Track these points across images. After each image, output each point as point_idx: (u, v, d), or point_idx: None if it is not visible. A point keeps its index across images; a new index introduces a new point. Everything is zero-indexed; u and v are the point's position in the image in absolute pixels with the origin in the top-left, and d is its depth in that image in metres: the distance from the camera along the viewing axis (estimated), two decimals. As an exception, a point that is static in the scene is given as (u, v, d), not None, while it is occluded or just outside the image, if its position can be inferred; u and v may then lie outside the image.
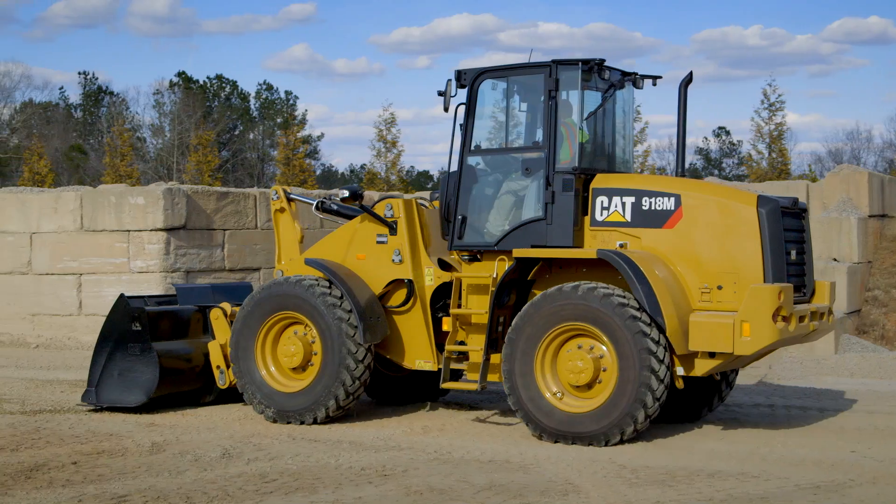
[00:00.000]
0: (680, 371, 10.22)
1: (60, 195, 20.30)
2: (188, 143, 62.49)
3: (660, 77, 11.66)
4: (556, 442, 10.28)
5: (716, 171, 69.78)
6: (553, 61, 10.78)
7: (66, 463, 9.44)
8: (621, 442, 10.11)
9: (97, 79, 78.52)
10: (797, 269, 10.62)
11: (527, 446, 10.19)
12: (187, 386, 12.52)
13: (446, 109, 11.16)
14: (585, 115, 10.90)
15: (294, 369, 11.61)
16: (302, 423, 11.36)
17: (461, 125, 11.17)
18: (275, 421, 11.50)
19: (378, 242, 11.64)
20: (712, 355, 10.10)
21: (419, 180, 73.07)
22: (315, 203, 12.41)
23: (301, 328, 11.59)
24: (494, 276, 10.91)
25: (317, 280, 11.53)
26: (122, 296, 12.45)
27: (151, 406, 12.13)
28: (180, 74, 73.55)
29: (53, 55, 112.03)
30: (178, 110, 67.27)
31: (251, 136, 76.56)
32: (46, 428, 11.14)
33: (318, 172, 72.43)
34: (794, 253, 10.51)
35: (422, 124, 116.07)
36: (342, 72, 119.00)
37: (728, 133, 76.04)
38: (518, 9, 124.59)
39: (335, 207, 12.27)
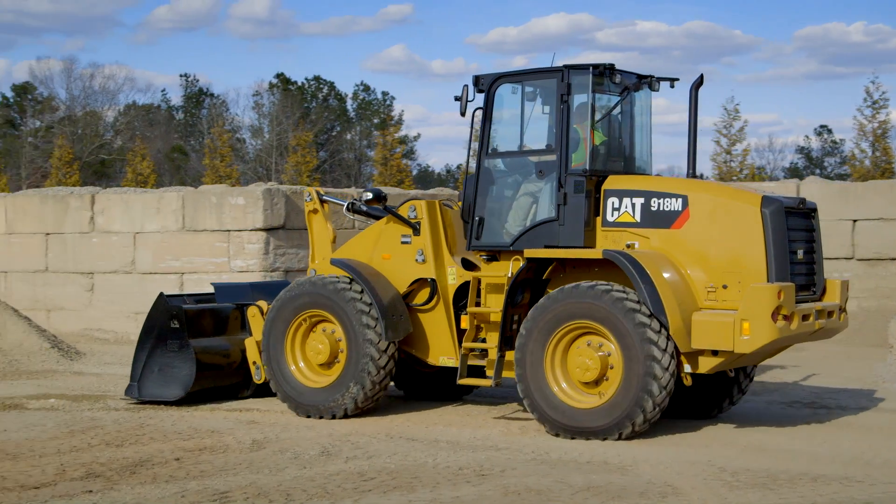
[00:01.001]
0: (687, 368, 10.45)
1: (163, 196, 20.67)
2: (287, 143, 63.20)
3: (677, 79, 11.79)
4: (572, 438, 10.53)
5: (817, 171, 68.55)
6: (565, 66, 11.07)
7: (169, 459, 9.61)
8: (632, 435, 10.36)
9: (198, 81, 79.85)
10: (805, 269, 10.77)
11: (625, 447, 10.12)
12: (225, 381, 12.95)
13: (463, 114, 11.47)
14: (598, 118, 11.19)
15: (322, 365, 11.98)
16: (332, 416, 11.73)
17: (479, 129, 11.48)
18: (308, 416, 11.86)
19: (402, 243, 12.01)
20: (715, 353, 10.31)
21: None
22: (346, 204, 12.67)
23: (328, 325, 11.94)
24: (509, 275, 11.18)
25: (341, 279, 11.90)
26: (161, 294, 12.89)
27: (191, 400, 12.55)
28: (279, 76, 74.41)
29: (156, 58, 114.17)
30: (277, 111, 68.07)
31: (348, 136, 77.14)
32: (150, 424, 11.35)
33: (415, 173, 72.73)
34: (800, 252, 10.67)
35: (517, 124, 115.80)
36: (439, 72, 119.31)
37: (830, 131, 74.65)
38: (615, 8, 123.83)
39: (364, 209, 12.50)
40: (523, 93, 11.63)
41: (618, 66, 11.24)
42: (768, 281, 10.23)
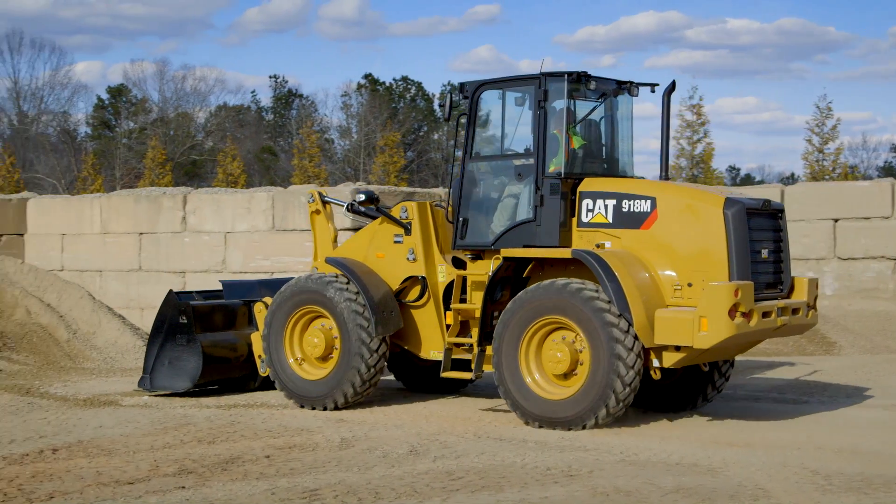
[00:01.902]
0: (656, 363, 10.96)
1: (253, 196, 20.92)
2: (374, 143, 63.56)
3: (657, 84, 12.20)
4: (540, 427, 11.04)
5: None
6: (542, 74, 11.55)
7: (259, 456, 9.71)
8: (596, 426, 10.85)
9: (287, 82, 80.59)
10: (770, 267, 11.22)
11: (714, 449, 10.01)
12: (232, 373, 13.66)
13: (447, 120, 12.19)
14: (574, 123, 11.67)
15: (318, 359, 12.53)
16: (325, 408, 12.28)
17: (464, 133, 12.07)
18: (301, 406, 12.46)
19: (395, 242, 12.56)
20: (678, 349, 10.79)
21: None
22: (345, 205, 13.13)
23: (324, 321, 12.49)
24: (490, 273, 11.67)
25: (336, 277, 12.46)
26: (170, 291, 13.71)
27: (200, 392, 13.25)
28: (367, 76, 74.88)
29: (246, 60, 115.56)
30: (365, 112, 68.51)
31: (435, 136, 77.31)
32: (240, 422, 11.48)
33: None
34: (765, 252, 11.10)
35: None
36: (527, 71, 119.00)
37: (927, 129, 73.03)
38: (706, 5, 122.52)
39: (362, 210, 12.97)
40: (504, 99, 12.12)
41: (593, 73, 11.70)
42: (730, 279, 10.65)
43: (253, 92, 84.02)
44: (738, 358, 15.40)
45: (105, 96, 75.43)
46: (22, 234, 23.53)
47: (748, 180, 72.34)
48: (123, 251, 22.56)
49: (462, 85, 12.16)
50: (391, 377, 14.23)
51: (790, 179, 64.77)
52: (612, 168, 12.12)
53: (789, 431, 11.03)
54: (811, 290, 11.62)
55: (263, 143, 72.74)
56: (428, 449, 10.01)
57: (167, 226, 22.05)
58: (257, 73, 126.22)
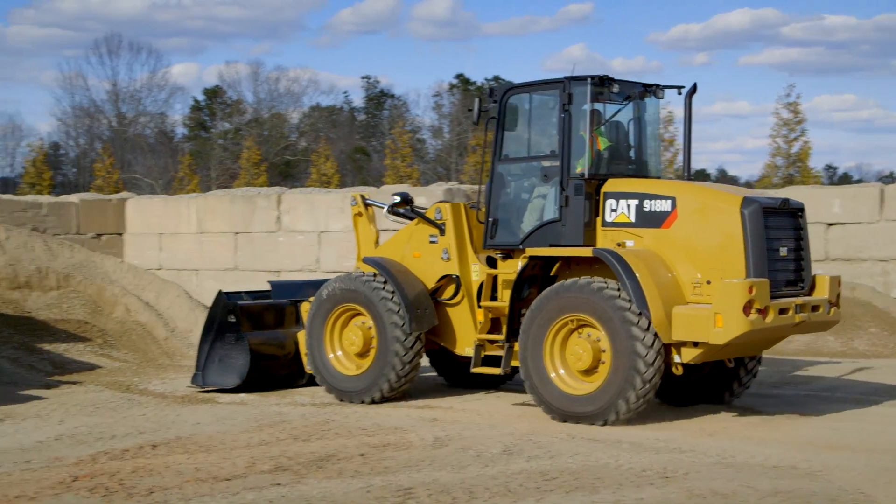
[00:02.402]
0: (677, 359, 11.22)
1: (346, 196, 21.06)
2: (466, 143, 63.64)
3: (682, 87, 12.47)
4: (563, 421, 11.38)
5: None
6: (566, 78, 11.90)
7: (353, 454, 9.78)
8: (616, 421, 11.09)
9: (379, 82, 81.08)
10: (790, 265, 11.49)
11: (814, 452, 9.85)
12: (279, 371, 14.01)
13: (476, 123, 12.51)
14: (598, 126, 11.92)
15: (357, 355, 13.02)
16: (361, 402, 12.74)
17: (493, 137, 12.43)
18: (340, 400, 12.93)
19: (430, 242, 12.99)
20: (696, 344, 11.05)
21: (696, 179, 71.77)
22: (385, 208, 13.50)
23: (362, 318, 12.97)
24: (517, 272, 12.06)
25: (373, 276, 12.91)
26: (220, 291, 14.14)
27: (249, 389, 13.55)
28: (459, 76, 74.95)
29: (339, 60, 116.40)
30: (457, 112, 68.60)
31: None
32: (335, 420, 11.57)
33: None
34: (783, 250, 11.38)
35: (700, 122, 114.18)
36: (619, 70, 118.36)
37: None
38: (802, 1, 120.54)
39: (401, 211, 13.38)
40: (531, 102, 12.53)
41: (617, 77, 12.03)
42: (746, 277, 10.92)
43: (345, 92, 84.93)
44: (817, 356, 15.16)
45: (201, 98, 76.64)
46: (121, 234, 23.98)
47: (846, 179, 71.04)
48: (219, 250, 22.87)
49: (491, 89, 12.54)
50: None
51: (889, 178, 63.50)
52: (638, 169, 12.44)
53: (891, 435, 10.81)
54: (833, 287, 11.82)
55: (356, 143, 73.26)
56: (521, 449, 9.99)
57: (262, 225, 22.31)
58: (350, 74, 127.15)
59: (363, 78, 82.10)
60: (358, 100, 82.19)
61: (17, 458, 9.72)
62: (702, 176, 76.41)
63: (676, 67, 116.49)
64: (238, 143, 65.33)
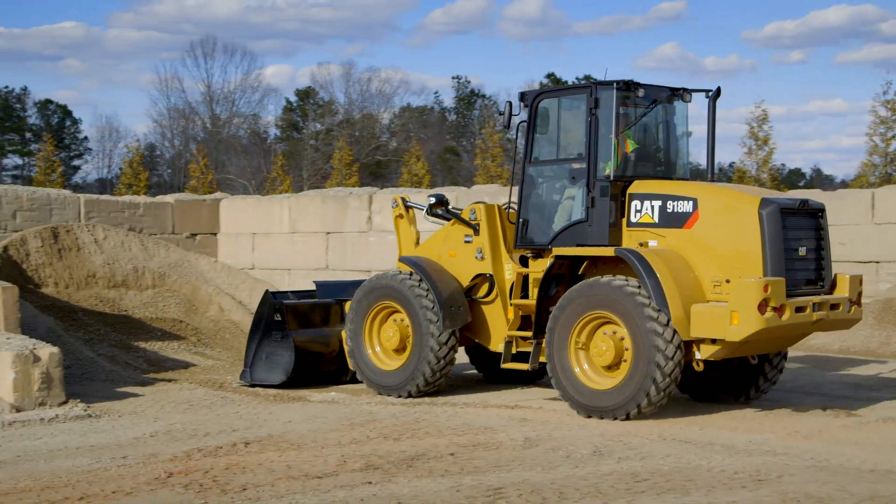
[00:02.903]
0: (698, 355, 11.56)
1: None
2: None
3: (709, 90, 12.88)
4: (587, 416, 11.75)
5: None
6: (593, 82, 12.40)
7: (443, 453, 9.81)
8: (637, 415, 11.46)
9: (470, 82, 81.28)
10: (810, 265, 11.83)
11: (912, 457, 9.66)
12: (324, 368, 14.52)
13: (507, 127, 12.95)
14: (623, 129, 12.32)
15: (395, 351, 13.57)
16: (399, 396, 13.23)
17: (523, 140, 12.93)
18: (379, 394, 13.44)
19: (465, 242, 13.48)
20: (714, 341, 11.39)
21: (791, 178, 70.75)
22: (424, 209, 14.05)
23: (399, 315, 13.49)
24: (545, 271, 12.51)
25: (409, 274, 13.44)
26: (266, 291, 14.77)
27: (294, 384, 13.96)
28: (549, 76, 74.73)
29: (430, 61, 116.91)
30: (548, 111, 68.27)
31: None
32: (425, 419, 11.62)
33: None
34: (803, 249, 11.68)
35: (795, 120, 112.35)
36: (712, 69, 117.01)
37: None
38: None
39: (439, 212, 13.90)
40: (559, 107, 12.94)
41: (644, 82, 12.41)
42: (764, 276, 11.23)
43: (436, 93, 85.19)
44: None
45: (293, 99, 77.44)
46: (215, 234, 24.33)
47: (947, 177, 69.42)
48: (311, 250, 23.08)
49: (522, 94, 12.99)
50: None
51: None
52: (667, 170, 12.84)
53: None
54: (853, 286, 12.11)
55: (446, 143, 73.46)
56: (612, 450, 9.95)
57: (353, 225, 22.47)
58: (440, 74, 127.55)
59: (454, 78, 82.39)
60: (448, 100, 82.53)
61: (114, 454, 9.93)
62: (797, 175, 75.35)
63: (771, 65, 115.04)
64: (330, 144, 65.88)
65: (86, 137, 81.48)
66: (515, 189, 13.14)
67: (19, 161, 79.63)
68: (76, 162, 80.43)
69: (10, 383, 12.00)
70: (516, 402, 12.82)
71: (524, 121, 12.88)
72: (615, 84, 12.19)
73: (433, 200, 13.88)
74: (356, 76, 75.79)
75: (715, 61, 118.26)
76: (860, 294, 12.24)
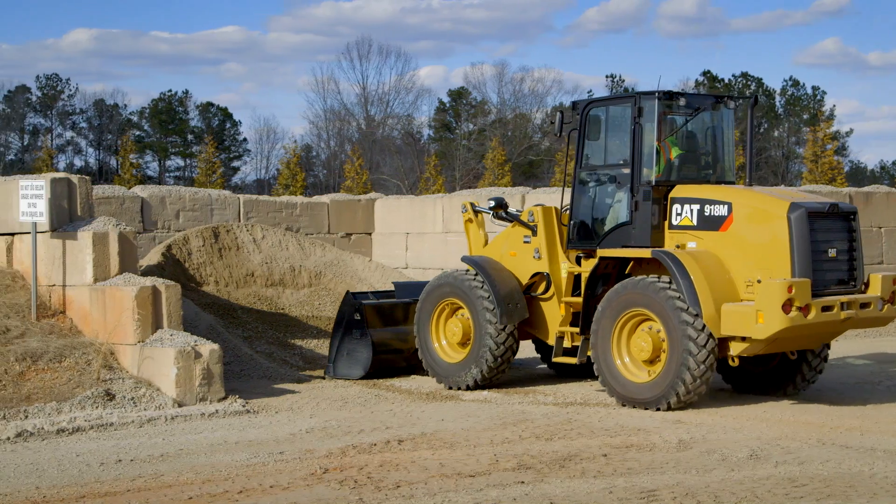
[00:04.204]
0: (732, 351, 12.15)
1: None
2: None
3: (749, 97, 13.90)
4: (625, 406, 12.44)
5: None
6: (637, 93, 13.12)
7: (596, 454, 9.76)
8: (669, 408, 12.08)
9: (624, 81, 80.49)
10: (842, 265, 12.33)
11: None
12: (400, 363, 15.20)
13: (558, 135, 13.75)
14: (666, 136, 13.01)
15: (459, 344, 14.27)
16: (459, 388, 13.90)
17: (575, 147, 13.61)
18: (441, 384, 14.15)
19: (524, 242, 14.19)
20: (744, 339, 11.99)
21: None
22: (492, 214, 14.82)
23: (462, 311, 14.24)
24: (590, 270, 13.25)
25: (471, 273, 14.19)
26: (347, 292, 15.52)
27: (372, 377, 14.67)
28: (706, 73, 73.72)
29: (584, 60, 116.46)
30: (703, 109, 67.23)
31: (776, 133, 75.10)
32: (577, 419, 11.58)
33: (847, 169, 69.72)
34: (832, 251, 12.23)
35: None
36: (875, 64, 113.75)
37: None
38: None
39: (505, 215, 14.69)
40: (608, 115, 13.69)
41: (685, 91, 12.89)
42: (792, 276, 11.81)
43: (590, 92, 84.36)
44: None
45: (446, 99, 77.93)
46: (370, 233, 24.64)
47: None
48: (464, 249, 23.13)
49: (574, 103, 13.81)
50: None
51: None
52: (712, 175, 13.49)
53: None
54: (886, 285, 12.53)
55: (599, 142, 72.86)
56: (769, 454, 9.75)
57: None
58: (594, 74, 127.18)
59: (608, 77, 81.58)
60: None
61: (272, 450, 10.14)
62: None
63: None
64: (482, 144, 66.12)
65: (245, 139, 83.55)
66: (569, 192, 13.85)
67: (182, 163, 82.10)
68: (235, 163, 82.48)
69: (173, 379, 12.37)
70: (670, 404, 12.66)
71: (575, 129, 13.62)
72: (657, 94, 12.90)
73: (493, 203, 14.70)
74: (509, 76, 75.90)
75: (879, 56, 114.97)
76: (894, 293, 12.63)
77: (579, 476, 8.97)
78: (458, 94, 76.56)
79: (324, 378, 14.90)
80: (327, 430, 11.10)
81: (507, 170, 58.54)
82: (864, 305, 12.34)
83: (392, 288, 16.29)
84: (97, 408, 11.82)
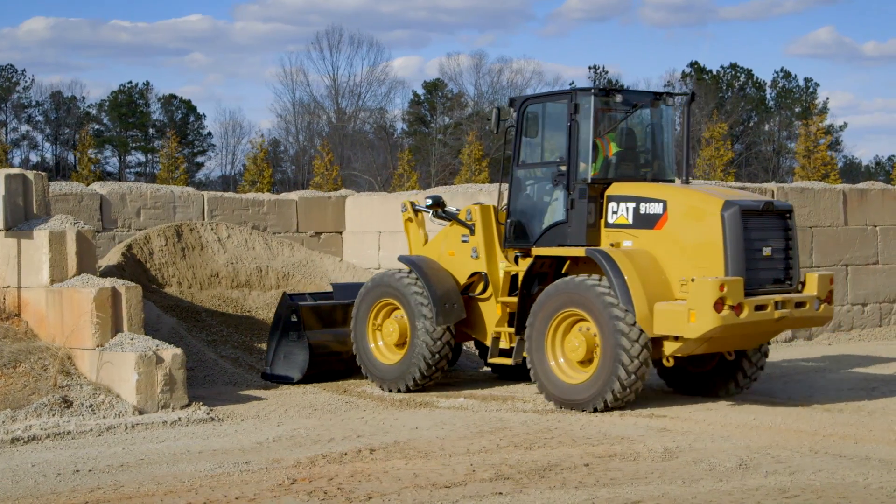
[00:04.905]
0: (666, 351, 12.58)
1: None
2: (699, 136, 62.71)
3: (687, 94, 14.47)
4: (561, 408, 12.80)
5: None
6: (573, 89, 13.56)
7: (578, 464, 9.78)
8: (605, 409, 12.49)
9: (607, 72, 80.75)
10: (777, 264, 12.74)
11: None
12: (338, 366, 15.52)
13: (495, 132, 14.38)
14: (603, 133, 13.49)
15: (396, 346, 14.61)
16: (398, 390, 14.25)
17: (512, 144, 14.06)
18: (382, 388, 14.47)
19: (462, 241, 14.54)
20: (677, 338, 12.41)
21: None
22: (431, 213, 15.10)
23: (398, 312, 14.55)
24: (525, 270, 13.68)
25: (406, 272, 14.50)
26: (284, 293, 15.94)
27: (309, 381, 14.91)
28: (693, 64, 74.09)
29: (565, 51, 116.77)
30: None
31: (766, 127, 75.47)
32: (558, 427, 11.60)
33: (841, 165, 70.15)
34: (767, 250, 12.62)
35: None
36: (871, 55, 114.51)
37: None
38: None
39: (443, 214, 14.97)
40: (544, 112, 14.04)
41: (623, 87, 13.53)
42: (726, 275, 12.19)
43: (571, 83, 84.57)
44: None
45: (421, 92, 77.97)
46: (340, 232, 24.61)
47: None
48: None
49: (511, 100, 14.39)
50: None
51: None
52: (652, 172, 13.89)
53: None
54: (823, 285, 12.94)
55: (581, 137, 73.08)
56: (759, 463, 9.80)
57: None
58: (576, 64, 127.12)
59: (590, 68, 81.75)
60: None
61: (237, 459, 10.12)
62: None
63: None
64: (459, 138, 66.16)
65: (209, 133, 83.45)
66: (506, 190, 14.22)
67: (143, 158, 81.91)
68: (199, 158, 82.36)
69: (134, 385, 12.33)
70: (653, 412, 12.70)
71: (512, 125, 14.10)
72: (593, 90, 13.34)
73: (429, 202, 15.01)
74: (486, 67, 76.04)
75: (875, 47, 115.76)
76: (831, 292, 13.07)
77: (560, 487, 8.99)
78: (434, 87, 76.62)
79: (262, 377, 15.21)
80: (295, 439, 11.09)
81: (484, 165, 58.61)
82: (800, 305, 12.73)
83: (331, 289, 16.68)
84: (54, 415, 11.77)
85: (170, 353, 12.64)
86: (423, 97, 77.33)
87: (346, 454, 10.29)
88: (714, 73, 75.19)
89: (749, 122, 75.09)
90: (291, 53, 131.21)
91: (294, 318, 15.29)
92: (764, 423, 11.92)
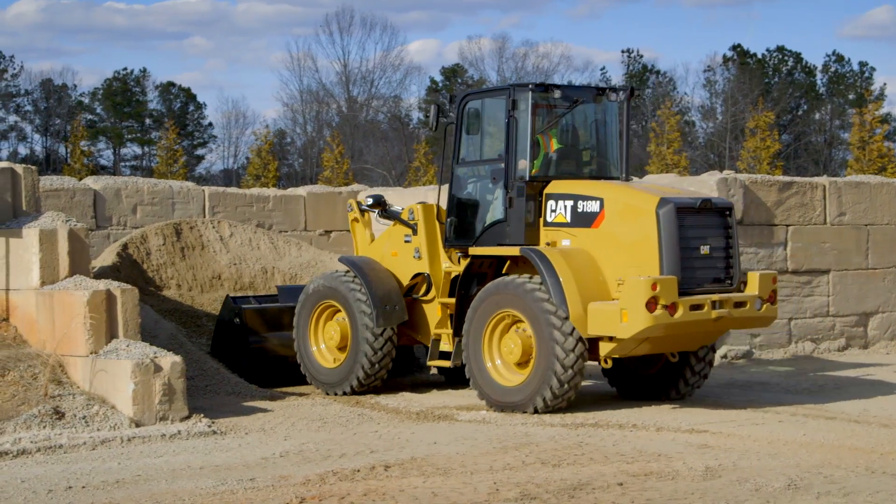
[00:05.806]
0: (601, 352, 13.19)
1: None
2: (743, 126, 62.62)
3: (629, 88, 14.82)
4: (499, 410, 13.50)
5: None
6: (510, 85, 14.38)
7: (611, 483, 9.79)
8: (543, 410, 13.17)
9: (642, 56, 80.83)
10: (716, 263, 13.36)
11: None
12: (288, 370, 15.88)
13: (433, 129, 14.82)
14: (541, 130, 14.10)
15: (337, 349, 15.26)
16: (336, 393, 14.97)
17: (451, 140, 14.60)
18: (327, 393, 15.18)
19: (405, 241, 15.17)
20: (611, 339, 12.99)
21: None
22: (377, 212, 15.76)
23: (340, 314, 15.18)
24: (462, 270, 14.36)
25: (347, 274, 15.15)
26: (227, 296, 16.64)
27: (262, 386, 15.27)
28: (736, 48, 73.96)
29: (596, 33, 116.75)
30: (733, 89, 67.58)
31: (817, 116, 75.30)
32: (588, 443, 11.60)
33: (899, 157, 69.85)
34: (705, 248, 13.23)
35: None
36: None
37: None
38: None
39: (386, 213, 15.59)
40: (483, 108, 14.62)
41: (563, 83, 13.92)
42: (661, 274, 12.76)
43: (603, 69, 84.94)
44: None
45: (439, 78, 78.04)
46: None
47: None
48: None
49: (451, 96, 15.21)
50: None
51: None
52: (596, 169, 14.61)
53: None
54: (765, 284, 13.55)
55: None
56: (810, 483, 9.78)
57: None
58: (609, 48, 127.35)
59: (624, 52, 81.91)
60: (617, 77, 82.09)
61: (241, 476, 10.16)
62: None
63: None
64: (481, 129, 66.05)
65: (210, 124, 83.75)
66: (443, 189, 14.80)
67: (139, 150, 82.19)
68: (200, 151, 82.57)
69: (130, 395, 12.38)
70: (694, 426, 12.70)
71: (452, 122, 14.69)
72: (530, 86, 13.96)
73: (370, 202, 15.63)
74: (510, 51, 76.12)
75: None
76: (774, 292, 13.68)
77: (592, 507, 9.00)
78: (453, 72, 76.79)
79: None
80: (304, 454, 11.13)
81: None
82: (739, 304, 13.33)
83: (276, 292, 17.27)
84: (45, 428, 11.84)
85: (168, 360, 12.69)
86: (441, 84, 77.45)
87: (358, 471, 10.32)
88: (759, 56, 75.08)
89: (798, 110, 74.98)
90: (299, 37, 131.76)
91: (237, 321, 15.99)
92: (815, 440, 11.90)
